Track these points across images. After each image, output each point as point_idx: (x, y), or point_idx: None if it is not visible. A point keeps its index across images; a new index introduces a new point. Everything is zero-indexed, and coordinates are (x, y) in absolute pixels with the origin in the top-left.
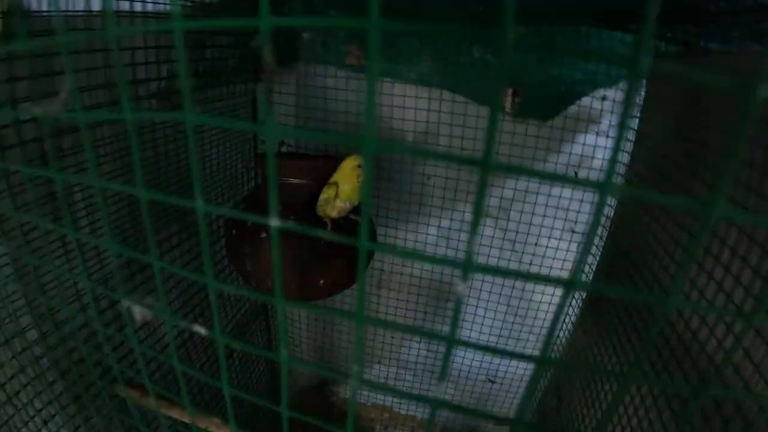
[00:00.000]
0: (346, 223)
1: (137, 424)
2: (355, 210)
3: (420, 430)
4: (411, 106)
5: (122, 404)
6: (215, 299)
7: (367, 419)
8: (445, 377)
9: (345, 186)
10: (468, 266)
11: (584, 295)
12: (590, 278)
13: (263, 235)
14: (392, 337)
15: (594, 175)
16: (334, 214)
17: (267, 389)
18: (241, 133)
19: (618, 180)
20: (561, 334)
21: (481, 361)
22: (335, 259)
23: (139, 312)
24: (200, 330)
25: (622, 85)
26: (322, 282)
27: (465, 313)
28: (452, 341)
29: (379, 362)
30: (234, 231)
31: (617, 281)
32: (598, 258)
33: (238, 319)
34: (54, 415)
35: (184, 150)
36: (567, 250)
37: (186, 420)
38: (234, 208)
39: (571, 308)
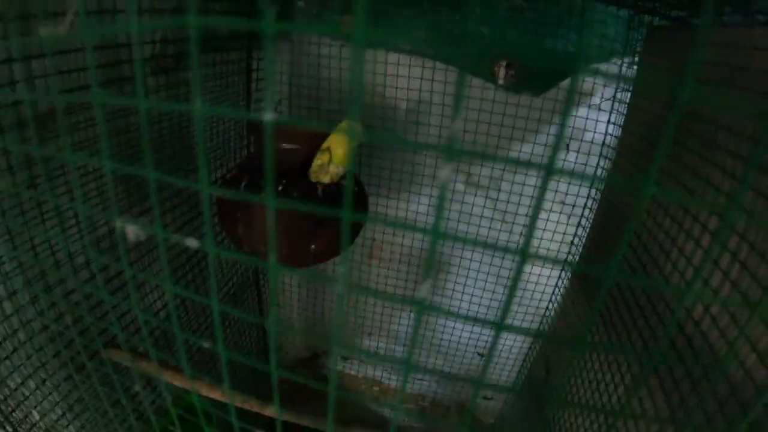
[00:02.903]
0: (337, 189)
1: (133, 385)
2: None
3: (409, 404)
4: (404, 74)
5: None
6: (208, 207)
7: (356, 392)
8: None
9: (337, 151)
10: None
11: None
12: (579, 254)
13: None
14: (383, 308)
15: (585, 148)
16: (326, 179)
17: (259, 359)
18: (235, 102)
19: (608, 152)
20: (551, 306)
21: (470, 334)
22: (327, 224)
23: (132, 231)
24: (192, 243)
25: (616, 59)
26: (313, 247)
27: (455, 283)
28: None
29: (369, 334)
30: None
31: (604, 258)
32: (586, 234)
33: (229, 289)
34: (45, 380)
35: (178, 118)
36: (557, 222)
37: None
38: (226, 174)
39: (560, 280)
